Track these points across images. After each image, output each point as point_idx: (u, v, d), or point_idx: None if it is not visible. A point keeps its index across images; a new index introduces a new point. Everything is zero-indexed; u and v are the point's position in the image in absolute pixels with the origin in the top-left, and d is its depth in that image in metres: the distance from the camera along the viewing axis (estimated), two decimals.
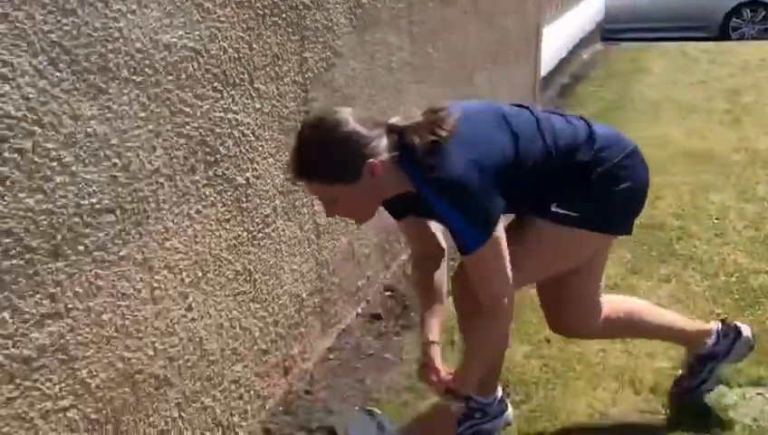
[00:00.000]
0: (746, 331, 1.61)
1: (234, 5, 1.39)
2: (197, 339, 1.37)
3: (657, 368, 1.82)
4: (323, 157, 1.22)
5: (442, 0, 2.61)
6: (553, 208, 1.34)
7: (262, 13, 1.49)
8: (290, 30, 1.60)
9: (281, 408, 1.71)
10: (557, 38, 5.53)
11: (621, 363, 1.85)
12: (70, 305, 1.04)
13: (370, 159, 1.23)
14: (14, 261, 0.93)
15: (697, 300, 2.18)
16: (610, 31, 8.56)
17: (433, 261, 1.50)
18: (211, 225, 1.39)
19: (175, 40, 1.22)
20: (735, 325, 1.62)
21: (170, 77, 1.22)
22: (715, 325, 1.61)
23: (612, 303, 1.55)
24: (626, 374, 1.80)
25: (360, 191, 1.25)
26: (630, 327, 1.62)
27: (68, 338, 1.04)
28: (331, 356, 1.96)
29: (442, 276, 1.49)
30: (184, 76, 1.26)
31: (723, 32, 8.11)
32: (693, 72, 5.93)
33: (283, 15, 1.57)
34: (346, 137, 1.21)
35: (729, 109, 4.55)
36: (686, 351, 1.65)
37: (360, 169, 1.22)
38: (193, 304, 1.35)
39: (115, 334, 1.14)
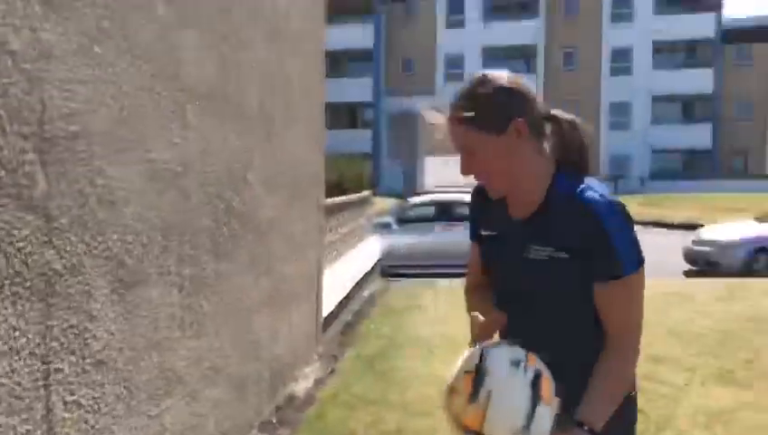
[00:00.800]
0: None
1: None
2: None
3: None
4: (484, 100, 1.33)
5: (216, 254, 2.66)
6: None
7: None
8: (33, 298, 1.49)
9: None
10: (338, 278, 5.86)
11: None
12: None
13: (520, 118, 1.32)
14: None
15: None
16: (390, 267, 9.32)
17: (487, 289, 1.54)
18: None
19: None
20: None
21: None
22: None
23: None
24: None
25: (499, 147, 1.33)
26: None
27: None
28: None
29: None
30: None
31: None
32: (462, 307, 6.54)
33: (27, 285, 1.47)
34: (513, 85, 1.34)
35: None
36: None
37: (508, 123, 1.32)
38: None
39: None
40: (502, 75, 1.37)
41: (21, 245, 1.44)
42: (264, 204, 3.26)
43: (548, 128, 1.41)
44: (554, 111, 1.40)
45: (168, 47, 2.16)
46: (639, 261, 1.32)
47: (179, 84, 2.25)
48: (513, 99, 1.34)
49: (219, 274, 2.71)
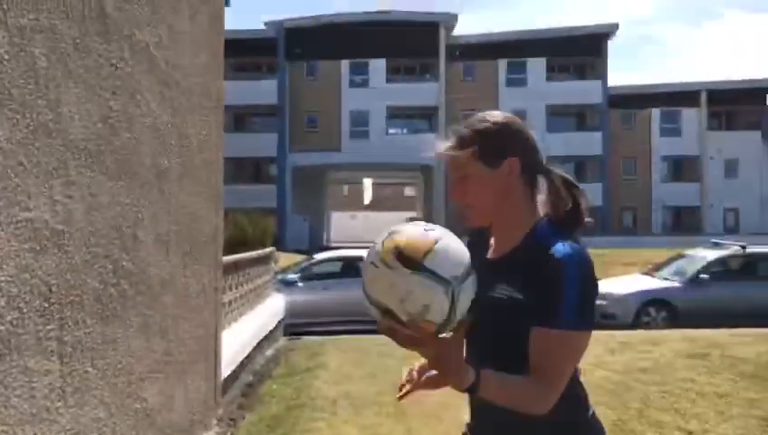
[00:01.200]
0: None
1: None
2: None
3: None
4: (485, 133, 1.41)
5: (103, 318, 2.51)
6: None
7: None
8: None
9: None
10: (238, 338, 5.68)
11: None
12: None
13: (515, 157, 1.40)
14: None
15: None
16: (293, 325, 9.15)
17: None
18: None
19: None
20: None
21: None
22: None
23: None
24: None
25: (490, 180, 1.40)
26: None
27: None
28: None
29: None
30: None
31: None
32: (365, 364, 6.48)
33: None
34: (518, 127, 1.44)
35: (394, 401, 4.96)
36: None
37: (503, 160, 1.39)
38: None
39: None
40: (505, 115, 1.47)
41: None
42: (156, 263, 3.14)
43: (543, 182, 1.45)
44: (551, 167, 1.45)
45: (50, 101, 2.07)
46: (585, 323, 1.31)
47: (61, 139, 2.15)
48: (511, 138, 1.43)
49: (106, 338, 2.56)
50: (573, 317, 1.29)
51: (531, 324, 1.32)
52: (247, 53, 33.83)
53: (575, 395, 1.42)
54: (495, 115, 1.46)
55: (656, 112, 38.40)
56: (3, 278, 1.81)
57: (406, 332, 1.22)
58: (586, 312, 1.31)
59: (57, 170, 2.12)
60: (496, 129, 1.42)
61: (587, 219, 1.42)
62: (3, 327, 1.82)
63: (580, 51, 36.46)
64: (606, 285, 11.23)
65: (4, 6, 1.80)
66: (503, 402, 1.30)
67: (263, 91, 34.76)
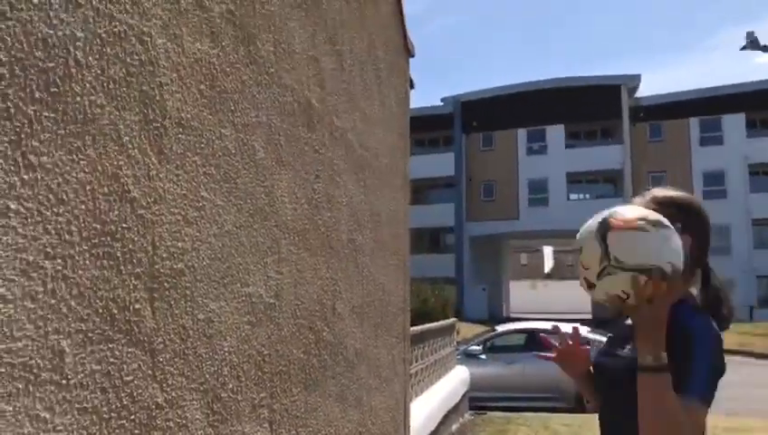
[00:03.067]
0: None
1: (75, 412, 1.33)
2: None
3: None
4: (671, 199, 1.51)
5: (306, 387, 2.66)
6: None
7: (107, 416, 1.43)
8: (137, 432, 1.53)
9: None
10: (425, 410, 5.67)
11: None
12: None
13: (690, 237, 1.45)
14: None
15: None
16: (476, 399, 8.96)
17: None
18: None
19: None
20: None
21: None
22: None
23: None
24: None
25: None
26: None
27: None
28: None
29: None
30: None
31: (579, 403, 8.71)
32: None
33: (132, 418, 1.52)
34: (701, 208, 1.54)
35: None
36: None
37: (683, 233, 1.41)
38: None
39: None
40: (690, 196, 1.56)
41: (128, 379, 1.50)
42: (351, 334, 3.28)
43: (699, 275, 1.52)
44: (710, 264, 1.53)
45: (266, 187, 2.30)
46: (710, 393, 1.32)
47: (275, 221, 2.37)
48: (691, 214, 1.50)
49: (309, 406, 2.69)
50: (698, 385, 1.31)
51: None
52: (426, 129, 35.18)
53: None
54: (677, 193, 1.55)
55: None
56: (227, 348, 1.99)
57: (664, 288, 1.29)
58: (709, 382, 1.33)
59: (271, 249, 2.33)
60: (683, 201, 1.51)
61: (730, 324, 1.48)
62: (225, 394, 1.99)
63: None
64: None
65: (232, 108, 2.06)
66: (655, 403, 1.30)
67: (440, 163, 35.74)
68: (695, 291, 1.51)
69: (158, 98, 1.63)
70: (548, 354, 1.76)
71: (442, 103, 36.42)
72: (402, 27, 4.59)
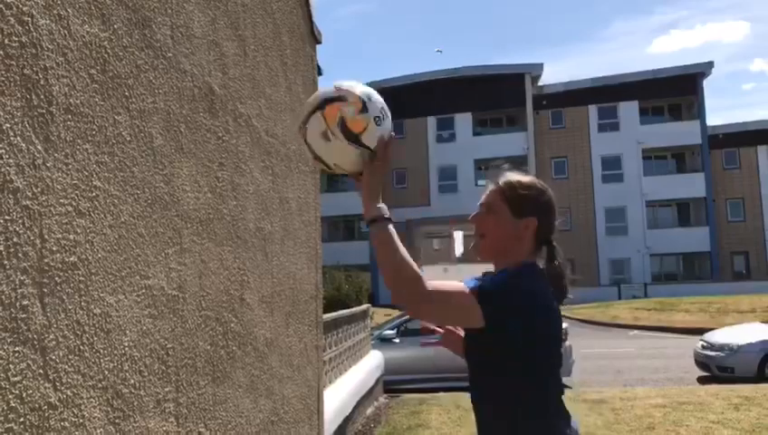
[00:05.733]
0: None
1: None
2: None
3: None
4: (526, 185, 1.68)
5: (214, 379, 2.61)
6: None
7: None
8: (27, 434, 1.46)
9: None
10: (339, 396, 5.70)
11: None
12: None
13: (536, 220, 1.64)
14: None
15: None
16: (391, 383, 9.08)
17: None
18: None
19: None
20: None
21: None
22: None
23: None
24: None
25: (508, 224, 1.65)
26: None
27: None
28: None
29: None
30: None
31: None
32: (466, 423, 6.33)
33: (21, 420, 1.44)
34: (549, 198, 1.70)
35: None
36: None
37: (524, 215, 1.64)
38: None
39: None
40: (542, 183, 1.73)
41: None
42: (261, 323, 3.24)
43: (544, 251, 1.70)
44: (555, 242, 1.70)
45: (165, 176, 2.23)
46: (470, 285, 1.54)
47: (176, 210, 2.31)
48: (539, 202, 1.68)
49: (217, 398, 2.65)
50: (471, 284, 1.55)
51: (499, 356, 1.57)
52: None
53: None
54: (536, 180, 1.73)
55: (761, 150, 36.19)
56: (126, 343, 1.93)
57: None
58: (490, 286, 1.55)
59: (172, 239, 2.26)
60: (532, 190, 1.69)
61: (569, 295, 1.68)
62: (126, 390, 1.93)
63: (674, 92, 35.32)
64: (724, 335, 10.48)
65: (126, 93, 1.98)
66: (384, 257, 1.55)
67: None
68: (542, 265, 1.70)
69: (42, 82, 1.54)
70: (430, 340, 1.98)
71: None
72: (308, 14, 4.54)
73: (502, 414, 1.60)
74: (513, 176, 1.72)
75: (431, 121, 36.67)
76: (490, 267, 1.72)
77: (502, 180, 1.71)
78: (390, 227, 1.59)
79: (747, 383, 8.53)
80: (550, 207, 1.70)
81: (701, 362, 10.26)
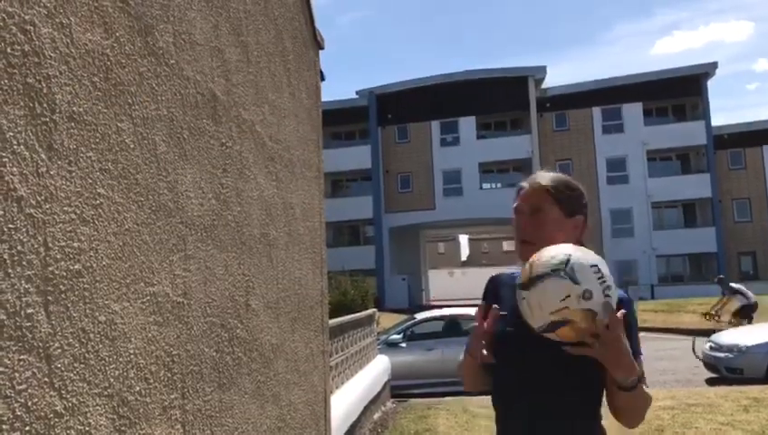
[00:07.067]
0: None
1: None
2: None
3: None
4: (572, 189, 1.70)
5: (220, 385, 2.61)
6: None
7: None
8: None
9: None
10: (346, 402, 5.69)
11: None
12: None
13: (586, 220, 1.70)
14: None
15: None
16: (398, 387, 9.06)
17: None
18: None
19: None
20: None
21: None
22: None
23: None
24: None
25: (559, 223, 1.64)
26: None
27: None
28: None
29: None
30: None
31: None
32: (474, 428, 6.30)
33: (27, 429, 1.44)
34: (587, 201, 1.75)
35: None
36: None
37: (576, 215, 1.67)
38: None
39: None
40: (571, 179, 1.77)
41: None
42: (267, 329, 3.24)
43: None
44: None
45: (169, 183, 2.23)
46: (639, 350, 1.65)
47: (180, 217, 2.31)
48: (583, 201, 1.72)
49: (224, 405, 2.64)
50: (640, 348, 1.73)
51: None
52: (342, 122, 35.16)
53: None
54: (571, 179, 1.75)
55: (767, 149, 36.03)
56: (132, 350, 1.92)
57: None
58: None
59: (176, 246, 2.26)
60: (580, 191, 1.72)
61: None
62: (132, 397, 1.92)
63: (679, 92, 35.25)
64: (733, 336, 10.40)
65: (129, 101, 1.98)
66: (639, 402, 1.60)
67: (357, 156, 35.81)
68: None
69: (45, 91, 1.54)
70: (465, 338, 1.95)
71: (357, 96, 36.44)
72: (310, 19, 4.55)
73: (583, 414, 1.75)
74: (555, 176, 1.72)
75: (435, 125, 36.67)
76: (501, 269, 1.75)
77: (545, 181, 1.69)
78: (639, 389, 1.61)
79: (756, 384, 8.47)
80: (587, 205, 1.74)
81: (709, 363, 10.18)
